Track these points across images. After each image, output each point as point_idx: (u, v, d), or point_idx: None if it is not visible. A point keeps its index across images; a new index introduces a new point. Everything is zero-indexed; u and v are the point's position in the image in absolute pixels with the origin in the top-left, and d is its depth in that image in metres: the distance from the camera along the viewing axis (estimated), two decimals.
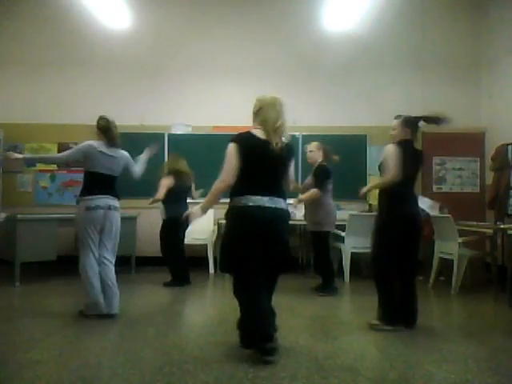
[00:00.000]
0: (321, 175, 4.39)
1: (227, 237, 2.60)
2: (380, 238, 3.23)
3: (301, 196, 4.42)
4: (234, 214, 2.56)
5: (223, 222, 6.09)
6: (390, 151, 3.13)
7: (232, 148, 2.53)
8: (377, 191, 3.39)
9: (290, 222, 5.64)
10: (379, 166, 3.31)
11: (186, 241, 5.69)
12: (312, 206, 4.43)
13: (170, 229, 4.82)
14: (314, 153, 4.52)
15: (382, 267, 3.19)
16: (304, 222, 4.89)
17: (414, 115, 3.31)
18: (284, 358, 2.53)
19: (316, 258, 4.62)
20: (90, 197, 3.42)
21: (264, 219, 2.49)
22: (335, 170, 4.60)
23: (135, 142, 6.07)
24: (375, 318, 3.21)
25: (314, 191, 4.31)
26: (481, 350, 2.76)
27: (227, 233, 2.61)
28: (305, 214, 4.66)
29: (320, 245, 4.49)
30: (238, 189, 2.54)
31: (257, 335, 2.45)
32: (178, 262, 4.87)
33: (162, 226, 4.91)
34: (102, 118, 3.57)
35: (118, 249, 3.59)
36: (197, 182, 5.04)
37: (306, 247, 4.76)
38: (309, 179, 4.52)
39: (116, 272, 3.53)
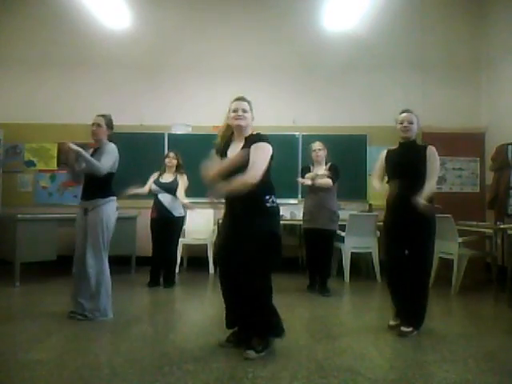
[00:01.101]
0: (338, 172, 4.47)
1: (275, 234, 2.64)
2: (430, 242, 3.08)
3: (319, 180, 4.35)
4: (274, 212, 2.66)
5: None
6: (436, 153, 3.06)
7: (270, 149, 2.62)
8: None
9: (291, 222, 5.74)
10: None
11: (187, 241, 5.71)
12: (327, 204, 4.42)
13: (181, 227, 4.94)
14: (323, 151, 4.55)
15: (429, 273, 3.15)
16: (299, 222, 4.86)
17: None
18: (284, 358, 2.54)
19: (326, 257, 4.51)
20: (116, 197, 3.48)
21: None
22: None
23: (135, 142, 6.15)
24: (403, 325, 3.05)
25: (328, 181, 4.35)
26: (481, 350, 2.75)
27: (274, 230, 2.64)
28: (313, 212, 4.47)
29: (332, 244, 4.55)
30: (269, 188, 2.65)
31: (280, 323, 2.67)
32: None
33: (176, 225, 4.82)
34: (111, 119, 3.54)
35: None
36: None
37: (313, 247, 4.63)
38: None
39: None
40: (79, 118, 6.06)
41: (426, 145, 3.17)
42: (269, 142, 2.62)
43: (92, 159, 3.29)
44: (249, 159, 2.54)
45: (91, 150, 3.52)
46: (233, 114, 2.69)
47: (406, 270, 3.09)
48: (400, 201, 3.06)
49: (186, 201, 4.73)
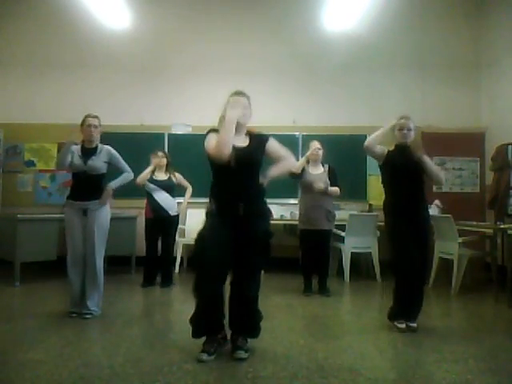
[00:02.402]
0: (337, 176, 4.55)
1: (271, 234, 2.68)
2: (430, 235, 3.28)
3: (331, 188, 4.44)
4: (269, 213, 2.77)
5: None
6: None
7: None
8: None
9: (291, 222, 5.73)
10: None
11: (186, 241, 5.71)
12: (324, 203, 4.41)
13: (177, 226, 5.00)
14: (321, 151, 4.54)
15: None
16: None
17: (413, 116, 3.30)
18: (284, 358, 2.54)
19: (325, 257, 4.49)
20: None
21: None
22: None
23: (135, 142, 6.14)
24: (412, 322, 3.14)
25: (337, 190, 4.49)
26: (481, 350, 2.75)
27: (270, 230, 2.69)
28: (309, 213, 4.42)
29: (329, 243, 4.55)
30: (264, 189, 2.69)
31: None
32: None
33: (173, 224, 4.89)
34: None
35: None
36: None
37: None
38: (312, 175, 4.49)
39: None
40: (79, 118, 5.99)
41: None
42: None
43: (123, 180, 3.60)
44: (259, 159, 2.61)
45: (79, 148, 3.51)
46: None
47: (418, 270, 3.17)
48: (408, 202, 3.16)
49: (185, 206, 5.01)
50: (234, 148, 2.49)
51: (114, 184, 3.51)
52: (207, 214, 2.61)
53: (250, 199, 2.55)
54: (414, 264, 3.11)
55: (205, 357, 2.46)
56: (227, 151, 2.42)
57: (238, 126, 2.57)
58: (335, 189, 4.47)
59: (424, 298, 3.21)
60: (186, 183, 5.01)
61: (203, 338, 2.58)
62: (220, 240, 2.48)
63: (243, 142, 2.62)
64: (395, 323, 3.16)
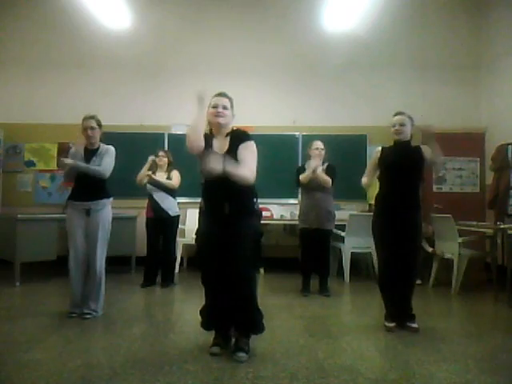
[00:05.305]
0: (336, 173, 4.47)
1: (261, 234, 2.75)
2: (419, 235, 3.22)
3: (319, 171, 4.32)
4: (260, 215, 2.76)
5: None
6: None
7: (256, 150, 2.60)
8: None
9: (291, 222, 5.73)
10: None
11: (187, 241, 5.70)
12: (323, 203, 4.40)
13: (177, 226, 4.97)
14: (323, 151, 4.52)
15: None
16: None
17: (413, 115, 3.31)
18: (284, 357, 2.54)
19: (324, 257, 4.48)
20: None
21: None
22: None
23: (135, 142, 6.15)
24: (412, 322, 3.19)
25: (328, 179, 4.34)
26: (481, 350, 2.75)
27: (261, 231, 2.74)
28: (308, 212, 4.44)
29: (328, 243, 4.53)
30: (255, 191, 2.67)
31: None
32: None
33: (172, 225, 4.86)
34: (98, 118, 3.59)
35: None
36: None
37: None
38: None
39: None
40: (79, 118, 5.95)
41: (419, 145, 3.32)
42: (253, 140, 2.61)
43: (92, 168, 3.38)
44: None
45: (82, 149, 3.51)
46: (212, 110, 2.63)
47: (402, 268, 3.17)
48: (396, 199, 3.15)
49: (165, 181, 4.73)
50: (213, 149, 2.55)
51: (78, 164, 3.37)
52: (200, 210, 2.75)
53: (235, 198, 2.55)
54: (392, 263, 3.21)
55: (216, 349, 2.57)
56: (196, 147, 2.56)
57: (219, 128, 2.61)
58: (327, 178, 4.34)
59: (415, 298, 3.26)
60: (175, 180, 4.79)
61: (208, 334, 2.66)
62: (211, 238, 2.61)
63: (223, 145, 2.60)
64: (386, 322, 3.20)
